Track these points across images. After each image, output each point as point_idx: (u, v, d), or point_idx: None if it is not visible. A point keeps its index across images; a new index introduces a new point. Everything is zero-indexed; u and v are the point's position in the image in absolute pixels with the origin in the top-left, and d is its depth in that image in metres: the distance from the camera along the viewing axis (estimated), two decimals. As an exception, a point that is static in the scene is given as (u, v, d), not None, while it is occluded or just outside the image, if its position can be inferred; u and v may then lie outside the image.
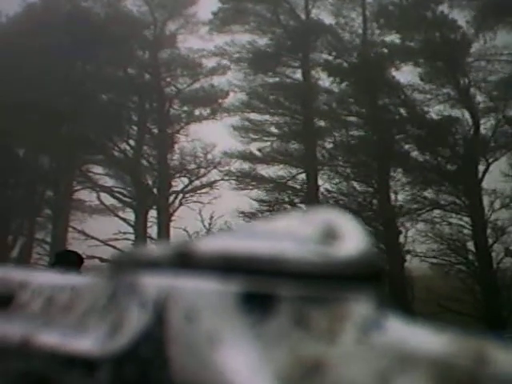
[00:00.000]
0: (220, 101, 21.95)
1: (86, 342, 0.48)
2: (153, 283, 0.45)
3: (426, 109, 19.73)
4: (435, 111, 19.61)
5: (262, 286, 0.40)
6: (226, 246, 0.43)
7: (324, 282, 0.40)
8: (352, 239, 0.41)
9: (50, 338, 0.52)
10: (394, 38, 20.11)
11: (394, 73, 19.95)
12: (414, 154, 19.33)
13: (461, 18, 19.35)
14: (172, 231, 20.89)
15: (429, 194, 19.00)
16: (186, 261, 0.43)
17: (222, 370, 0.39)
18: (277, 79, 21.24)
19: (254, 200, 20.11)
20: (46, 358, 0.52)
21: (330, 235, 0.42)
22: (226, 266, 0.42)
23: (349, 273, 0.40)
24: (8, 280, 0.66)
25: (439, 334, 0.38)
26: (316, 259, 0.40)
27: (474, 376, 0.36)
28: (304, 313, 0.40)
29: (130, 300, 0.46)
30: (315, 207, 0.46)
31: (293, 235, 0.42)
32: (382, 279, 0.42)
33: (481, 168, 18.68)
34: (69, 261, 4.67)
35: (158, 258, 0.46)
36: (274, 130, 21.12)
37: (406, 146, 19.48)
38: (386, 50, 19.99)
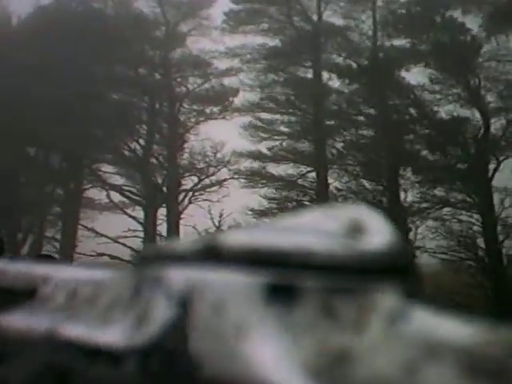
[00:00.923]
0: (230, 99, 21.92)
1: (111, 334, 0.49)
2: (179, 276, 0.46)
3: (435, 109, 19.69)
4: (445, 111, 19.59)
5: (289, 279, 0.41)
6: (252, 239, 0.43)
7: (350, 274, 0.40)
8: (379, 233, 0.41)
9: (75, 331, 0.53)
10: (403, 42, 20.06)
11: (403, 73, 19.92)
12: (424, 153, 19.30)
13: (472, 23, 19.25)
14: (181, 229, 20.96)
15: (439, 191, 19.00)
16: (212, 254, 0.44)
17: (250, 361, 0.39)
18: (287, 78, 21.18)
19: (264, 198, 20.13)
20: (70, 350, 0.52)
21: (356, 229, 0.42)
22: (253, 259, 0.42)
23: (376, 266, 0.40)
24: (31, 274, 0.67)
25: (467, 324, 0.38)
26: (342, 252, 0.41)
27: (504, 365, 0.35)
28: (330, 304, 0.40)
29: (156, 292, 0.46)
30: (338, 203, 0.46)
31: (319, 230, 0.43)
32: (411, 272, 0.42)
33: (491, 167, 18.66)
34: None
35: (184, 251, 0.46)
36: (283, 128, 21.10)
37: (416, 146, 19.44)
38: (395, 53, 19.94)
